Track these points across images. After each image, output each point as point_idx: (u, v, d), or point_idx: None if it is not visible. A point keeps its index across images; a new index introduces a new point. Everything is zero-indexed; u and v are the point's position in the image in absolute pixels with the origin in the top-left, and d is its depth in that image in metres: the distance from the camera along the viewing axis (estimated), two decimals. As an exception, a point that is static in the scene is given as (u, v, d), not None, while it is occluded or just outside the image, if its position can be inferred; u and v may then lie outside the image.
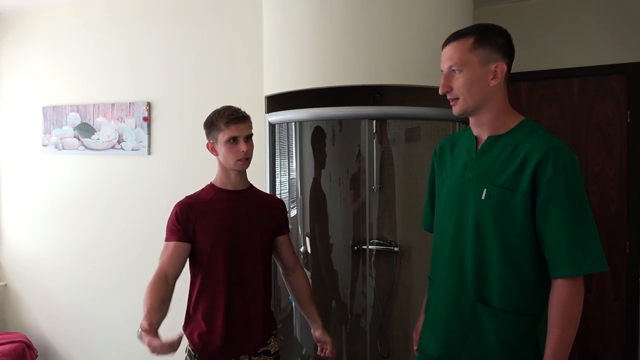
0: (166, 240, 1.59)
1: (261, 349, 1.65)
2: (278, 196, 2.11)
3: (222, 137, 1.57)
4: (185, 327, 1.63)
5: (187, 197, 1.64)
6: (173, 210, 1.61)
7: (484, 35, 1.24)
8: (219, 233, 1.57)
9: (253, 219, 1.64)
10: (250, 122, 1.63)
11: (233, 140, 1.57)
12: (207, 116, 1.64)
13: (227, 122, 1.56)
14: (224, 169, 1.64)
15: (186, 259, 1.59)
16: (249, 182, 1.72)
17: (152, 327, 1.36)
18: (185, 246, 1.57)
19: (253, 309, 1.62)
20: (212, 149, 1.63)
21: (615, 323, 2.41)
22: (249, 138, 1.61)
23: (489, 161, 1.27)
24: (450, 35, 1.29)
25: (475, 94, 1.24)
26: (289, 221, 1.83)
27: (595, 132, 2.42)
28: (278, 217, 1.73)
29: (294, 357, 2.32)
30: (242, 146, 1.57)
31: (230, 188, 1.65)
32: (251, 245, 1.62)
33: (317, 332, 1.74)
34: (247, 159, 1.61)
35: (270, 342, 1.68)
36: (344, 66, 1.82)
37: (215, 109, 1.64)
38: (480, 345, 1.26)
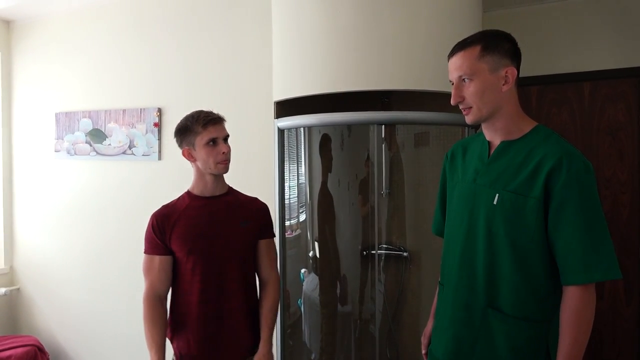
0: (146, 252, 1.57)
1: (249, 358, 1.61)
2: (286, 200, 2.12)
3: (201, 140, 1.53)
4: (170, 336, 1.61)
5: (163, 207, 1.61)
6: (149, 221, 1.58)
7: (490, 42, 1.23)
8: (194, 241, 1.54)
9: (231, 223, 1.60)
10: (224, 123, 1.60)
11: (212, 142, 1.53)
12: (176, 125, 1.59)
13: (205, 124, 1.53)
14: (200, 175, 1.60)
15: (171, 271, 1.58)
16: (228, 185, 1.68)
17: None
18: (169, 259, 1.56)
19: (234, 317, 1.58)
20: (189, 155, 1.57)
21: (629, 330, 2.37)
22: (226, 139, 1.59)
23: (502, 166, 1.26)
24: (456, 45, 1.28)
25: (488, 101, 1.24)
26: (298, 226, 1.82)
27: (606, 136, 2.40)
28: (259, 219, 1.68)
29: (303, 362, 2.32)
30: (223, 147, 1.54)
31: (207, 194, 1.61)
32: (229, 251, 1.58)
33: (258, 351, 1.62)
34: (227, 161, 1.57)
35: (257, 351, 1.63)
36: (352, 72, 1.82)
37: (187, 114, 1.59)
38: (490, 351, 1.25)
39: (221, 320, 1.56)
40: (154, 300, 1.54)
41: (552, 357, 1.20)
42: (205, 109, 1.61)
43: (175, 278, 1.59)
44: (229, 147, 1.58)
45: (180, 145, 1.59)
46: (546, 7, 2.46)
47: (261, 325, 1.66)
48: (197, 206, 1.59)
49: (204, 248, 1.54)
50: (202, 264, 1.54)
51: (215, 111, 1.60)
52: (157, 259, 1.55)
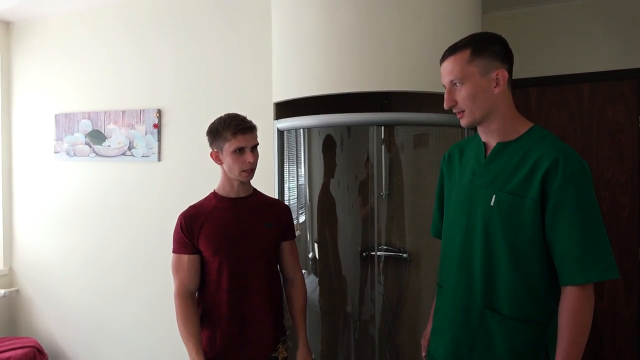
0: (175, 252, 1.60)
1: (270, 355, 1.65)
2: (286, 201, 2.12)
3: (229, 147, 1.54)
4: None
5: (190, 207, 1.64)
6: (177, 221, 1.61)
7: (480, 46, 1.24)
8: (220, 241, 1.57)
9: (256, 225, 1.63)
10: (256, 132, 1.61)
11: (239, 150, 1.55)
12: (210, 123, 1.61)
13: (235, 132, 1.53)
14: (227, 177, 1.63)
15: (200, 269, 1.61)
16: (253, 187, 1.71)
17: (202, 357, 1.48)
18: (198, 258, 1.59)
19: (259, 316, 1.61)
20: (217, 157, 1.60)
21: (628, 331, 2.37)
22: (254, 148, 1.60)
23: (498, 167, 1.26)
24: (447, 50, 1.29)
25: (481, 104, 1.25)
26: (298, 227, 1.83)
27: (606, 137, 2.40)
28: (282, 221, 1.71)
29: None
30: (249, 157, 1.56)
31: (232, 196, 1.64)
32: (254, 252, 1.61)
33: (298, 351, 1.70)
34: (252, 170, 1.59)
35: (278, 349, 1.68)
36: (352, 73, 1.83)
37: (219, 116, 1.62)
38: (489, 352, 1.25)
39: (246, 318, 1.60)
40: (185, 297, 1.57)
41: (551, 358, 1.19)
42: (238, 113, 1.62)
43: (202, 277, 1.62)
44: (256, 155, 1.59)
45: (210, 146, 1.61)
46: (545, 9, 2.46)
47: (296, 324, 1.71)
48: (223, 207, 1.62)
49: (229, 249, 1.58)
50: (227, 264, 1.57)
51: (251, 115, 1.62)
52: (185, 257, 1.58)
